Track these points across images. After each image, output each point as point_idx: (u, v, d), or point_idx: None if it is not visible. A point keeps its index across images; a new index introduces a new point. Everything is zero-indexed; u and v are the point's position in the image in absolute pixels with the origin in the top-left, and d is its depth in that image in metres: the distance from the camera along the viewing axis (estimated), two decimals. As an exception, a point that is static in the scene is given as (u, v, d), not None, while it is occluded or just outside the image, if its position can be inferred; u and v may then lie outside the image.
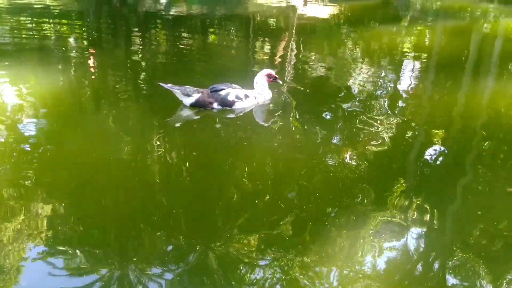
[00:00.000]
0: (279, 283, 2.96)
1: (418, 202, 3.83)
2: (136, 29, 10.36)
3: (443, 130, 5.11)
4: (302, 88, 6.04)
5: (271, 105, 5.54)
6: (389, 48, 8.53)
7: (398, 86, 6.19)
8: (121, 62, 7.56)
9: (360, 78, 6.61)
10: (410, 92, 6.09)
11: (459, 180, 4.13)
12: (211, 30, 10.41)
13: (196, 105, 5.24)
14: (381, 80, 6.56)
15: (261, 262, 3.12)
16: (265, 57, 7.99)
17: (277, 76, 5.54)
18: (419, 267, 3.14)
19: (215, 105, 5.25)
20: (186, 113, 5.25)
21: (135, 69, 7.14)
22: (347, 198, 3.80)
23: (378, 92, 5.95)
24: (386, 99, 5.74)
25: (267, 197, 3.82)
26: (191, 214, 3.62)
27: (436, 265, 3.15)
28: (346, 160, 4.33)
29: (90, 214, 3.52)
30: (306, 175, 4.12)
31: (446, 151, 4.65)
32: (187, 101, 5.25)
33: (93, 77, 6.65)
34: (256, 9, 12.31)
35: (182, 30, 10.04)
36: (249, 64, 7.51)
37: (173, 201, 3.76)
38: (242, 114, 5.27)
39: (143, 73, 6.96)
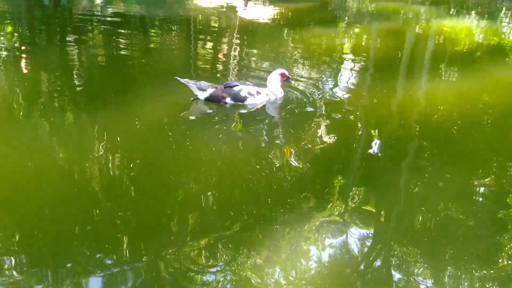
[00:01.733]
0: (230, 286, 2.93)
1: (360, 200, 3.92)
2: (71, 30, 9.95)
3: (382, 129, 5.27)
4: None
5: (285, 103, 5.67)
6: (328, 49, 8.72)
7: (338, 86, 6.33)
8: (55, 64, 7.23)
9: (301, 78, 6.69)
10: (349, 91, 6.24)
11: (399, 177, 4.27)
12: (151, 31, 10.20)
13: (210, 99, 5.41)
14: (321, 80, 6.68)
15: (211, 266, 3.06)
16: (207, 58, 7.93)
17: (290, 76, 5.73)
18: (364, 262, 3.21)
19: (228, 99, 5.41)
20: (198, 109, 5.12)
21: (69, 71, 6.84)
22: (293, 199, 3.82)
23: (319, 91, 6.05)
24: (326, 98, 5.85)
25: (213, 200, 3.77)
26: (138, 222, 3.50)
27: (380, 261, 3.23)
28: (289, 160, 4.37)
29: (27, 228, 3.32)
30: (252, 177, 4.11)
31: (385, 149, 4.80)
32: (202, 95, 5.41)
33: (25, 80, 6.32)
34: (196, 10, 12.21)
35: (120, 31, 9.77)
36: (191, 65, 7.42)
37: (117, 209, 3.62)
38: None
39: (79, 75, 6.69)
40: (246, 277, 2.98)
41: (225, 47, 8.72)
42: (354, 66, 7.56)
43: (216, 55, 8.18)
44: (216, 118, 5.30)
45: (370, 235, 3.49)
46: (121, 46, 8.41)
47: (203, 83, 5.41)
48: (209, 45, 8.98)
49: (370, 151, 4.65)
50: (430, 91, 6.67)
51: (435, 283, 3.01)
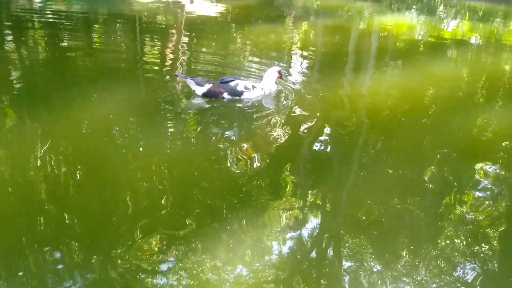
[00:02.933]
0: (186, 285, 2.89)
1: (312, 192, 4.00)
2: (8, 28, 9.50)
3: (330, 123, 5.38)
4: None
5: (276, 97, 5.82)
6: (276, 45, 8.79)
7: (287, 82, 6.39)
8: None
9: (250, 74, 6.71)
10: (298, 86, 6.32)
11: (349, 169, 4.38)
12: (95, 28, 9.90)
13: (208, 95, 5.56)
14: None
15: (165, 266, 3.02)
16: (154, 55, 7.78)
17: (282, 74, 5.97)
18: (317, 252, 3.28)
19: (225, 94, 5.56)
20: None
21: (7, 72, 6.52)
22: (247, 193, 3.83)
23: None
24: (276, 94, 5.90)
25: (167, 198, 3.72)
26: (87, 223, 3.40)
27: (332, 250, 3.32)
28: (242, 155, 4.38)
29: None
30: (205, 173, 4.09)
31: (334, 142, 4.91)
32: (200, 90, 5.57)
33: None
34: (141, 7, 11.95)
35: (62, 29, 9.40)
36: (138, 63, 7.27)
37: (61, 211, 3.50)
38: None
39: (18, 77, 6.39)
40: (201, 276, 2.96)
41: (172, 43, 8.60)
42: (303, 62, 7.66)
43: (163, 51, 8.05)
44: (172, 115, 5.21)
45: (322, 225, 3.56)
46: (63, 45, 8.11)
47: (200, 79, 5.59)
48: (156, 42, 8.83)
49: (320, 145, 4.74)
50: (375, 85, 6.87)
51: (385, 268, 3.11)
